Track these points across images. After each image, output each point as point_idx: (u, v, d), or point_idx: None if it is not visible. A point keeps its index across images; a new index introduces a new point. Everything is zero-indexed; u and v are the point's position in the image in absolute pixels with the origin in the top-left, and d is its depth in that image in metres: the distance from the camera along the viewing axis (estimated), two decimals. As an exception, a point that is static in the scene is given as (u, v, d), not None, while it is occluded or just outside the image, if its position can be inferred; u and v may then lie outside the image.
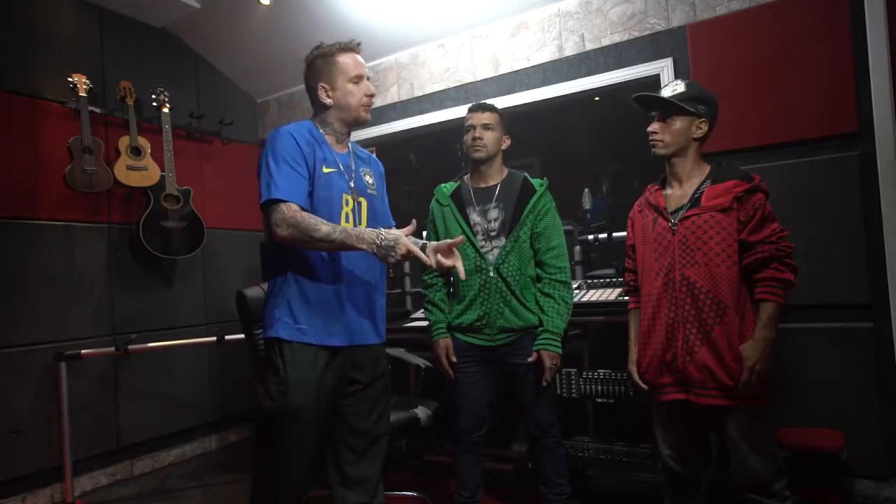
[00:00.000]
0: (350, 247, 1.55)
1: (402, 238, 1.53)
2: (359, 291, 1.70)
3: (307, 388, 1.59)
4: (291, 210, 1.56)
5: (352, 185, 1.74)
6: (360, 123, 1.78)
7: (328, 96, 1.72)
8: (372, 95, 1.77)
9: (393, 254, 1.52)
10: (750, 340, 1.63)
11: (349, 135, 1.81)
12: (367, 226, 1.74)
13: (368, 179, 1.81)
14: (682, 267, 1.71)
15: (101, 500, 2.94)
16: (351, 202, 1.72)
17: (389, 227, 1.92)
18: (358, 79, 1.73)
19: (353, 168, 1.77)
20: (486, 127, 2.17)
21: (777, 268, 1.62)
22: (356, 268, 1.70)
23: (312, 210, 1.64)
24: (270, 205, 1.58)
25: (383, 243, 1.52)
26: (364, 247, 1.53)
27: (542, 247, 2.14)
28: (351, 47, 1.75)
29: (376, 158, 1.95)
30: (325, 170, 1.68)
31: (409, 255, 1.52)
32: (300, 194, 1.60)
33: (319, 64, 1.73)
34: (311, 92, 1.76)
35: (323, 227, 1.54)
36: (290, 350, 1.60)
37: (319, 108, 1.76)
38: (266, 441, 1.66)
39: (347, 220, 1.70)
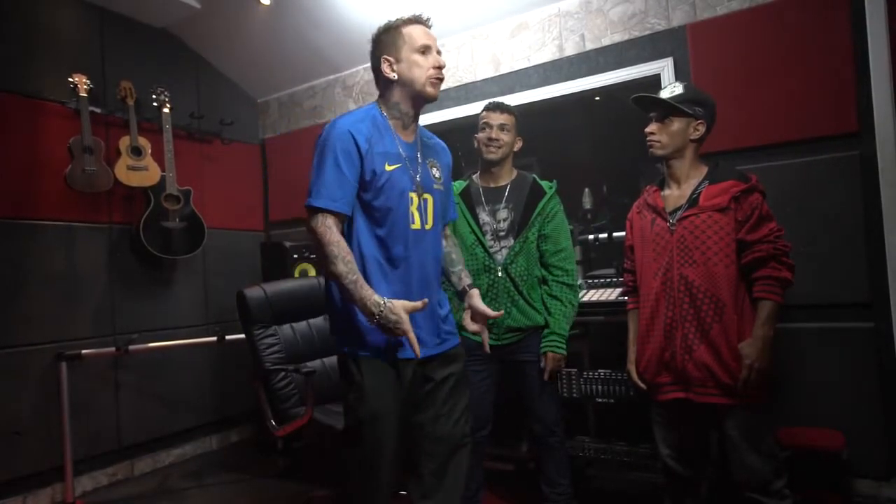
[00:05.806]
0: (349, 298, 1.46)
1: (404, 321, 1.41)
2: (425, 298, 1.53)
3: (383, 393, 1.54)
4: (325, 225, 1.48)
5: (417, 179, 1.60)
6: (428, 100, 1.59)
7: (392, 70, 1.57)
8: (441, 68, 1.58)
9: (389, 334, 1.43)
10: (749, 339, 1.63)
11: (416, 118, 1.65)
12: (433, 223, 1.64)
13: (435, 172, 1.68)
14: (681, 266, 1.71)
15: (101, 500, 2.94)
16: (416, 200, 1.59)
17: (453, 221, 1.88)
18: (425, 49, 1.57)
19: (420, 160, 1.63)
20: (502, 128, 2.15)
21: (775, 266, 1.63)
22: (425, 275, 1.61)
23: (373, 213, 1.55)
24: (310, 209, 1.51)
25: (382, 320, 1.41)
26: (362, 310, 1.44)
27: (549, 249, 2.14)
28: (420, 19, 1.61)
29: (444, 145, 1.80)
30: (388, 167, 1.54)
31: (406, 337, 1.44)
32: (342, 202, 1.50)
33: (384, 38, 1.60)
34: (376, 71, 1.62)
35: (340, 265, 1.45)
36: (363, 361, 1.55)
37: (384, 86, 1.62)
38: (351, 453, 1.60)
39: (413, 221, 1.58)
